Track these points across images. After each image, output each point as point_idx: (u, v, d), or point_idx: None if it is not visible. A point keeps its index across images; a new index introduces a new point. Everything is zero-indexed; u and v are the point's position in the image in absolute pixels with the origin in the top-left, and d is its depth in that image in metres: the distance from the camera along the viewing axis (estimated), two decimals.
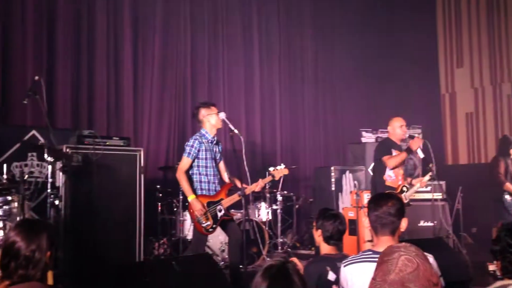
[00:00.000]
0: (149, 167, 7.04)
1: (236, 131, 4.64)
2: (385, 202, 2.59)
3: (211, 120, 4.78)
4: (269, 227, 7.02)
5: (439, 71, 10.61)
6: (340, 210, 7.47)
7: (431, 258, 2.48)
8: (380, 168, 5.58)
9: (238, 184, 4.77)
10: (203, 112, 4.81)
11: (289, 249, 7.24)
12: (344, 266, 2.60)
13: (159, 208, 6.61)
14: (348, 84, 10.16)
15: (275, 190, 7.24)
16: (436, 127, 10.24)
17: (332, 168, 7.99)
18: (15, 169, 5.40)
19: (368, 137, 8.61)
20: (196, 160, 4.71)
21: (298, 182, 8.98)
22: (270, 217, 7.09)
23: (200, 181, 4.73)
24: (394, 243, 2.56)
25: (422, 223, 6.96)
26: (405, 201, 5.25)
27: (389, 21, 10.55)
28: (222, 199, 4.71)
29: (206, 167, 4.73)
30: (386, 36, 10.43)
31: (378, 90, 10.31)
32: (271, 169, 4.92)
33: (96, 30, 7.07)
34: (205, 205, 4.61)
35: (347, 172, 7.92)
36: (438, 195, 6.89)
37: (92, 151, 5.02)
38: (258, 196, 7.17)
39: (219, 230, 4.91)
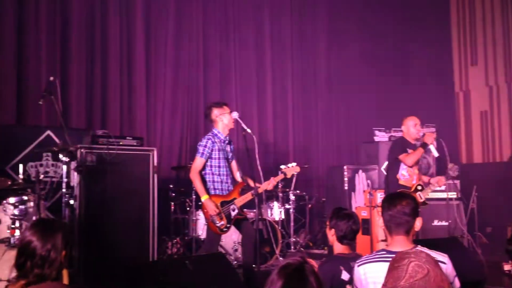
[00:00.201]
0: (162, 167, 7.07)
1: (249, 130, 4.64)
2: (400, 202, 2.58)
3: (224, 120, 4.79)
4: (281, 227, 7.01)
5: (453, 69, 10.52)
6: (353, 210, 7.45)
7: (446, 258, 2.47)
8: (393, 167, 5.54)
9: (251, 183, 4.77)
10: (215, 111, 4.82)
11: (302, 249, 7.22)
12: (358, 266, 2.59)
13: (172, 207, 6.64)
14: (361, 83, 10.09)
15: (287, 190, 7.24)
16: (450, 125, 10.16)
17: (345, 167, 7.96)
18: (31, 169, 5.47)
19: (381, 136, 8.55)
20: (209, 160, 4.72)
21: (310, 182, 8.95)
22: (283, 217, 7.09)
23: (213, 181, 4.74)
24: (408, 243, 2.56)
25: (436, 223, 6.91)
26: (421, 200, 5.21)
27: (402, 19, 10.47)
28: (235, 199, 4.71)
29: (219, 166, 4.74)
30: (400, 34, 10.36)
31: (391, 89, 10.23)
32: (282, 167, 4.91)
33: (109, 31, 7.13)
34: (219, 205, 4.62)
35: (360, 171, 7.88)
36: (452, 194, 6.83)
37: (106, 151, 5.05)
38: (270, 196, 7.17)
39: (232, 229, 4.92)
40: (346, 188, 7.84)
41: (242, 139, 4.81)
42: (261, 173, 4.70)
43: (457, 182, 7.08)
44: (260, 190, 4.74)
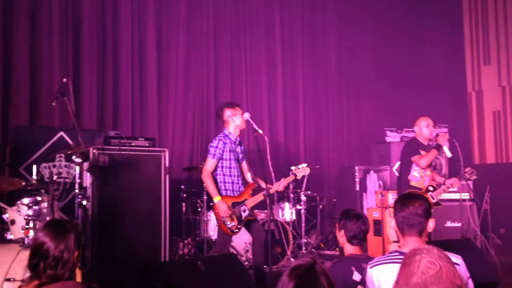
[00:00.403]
0: (173, 168, 7.09)
1: (260, 131, 4.63)
2: (412, 203, 2.56)
3: (236, 121, 4.79)
4: (293, 228, 7.00)
5: (465, 68, 10.44)
6: (365, 211, 7.42)
7: (459, 260, 2.45)
8: (405, 169, 5.51)
9: (262, 184, 4.77)
10: (228, 112, 4.82)
11: (313, 250, 7.21)
12: (371, 267, 2.57)
13: (184, 208, 6.66)
14: (372, 83, 10.07)
15: (299, 190, 7.22)
16: (462, 126, 10.08)
17: (356, 168, 7.95)
18: (44, 170, 5.52)
19: (392, 137, 8.52)
20: (220, 160, 4.72)
21: (322, 182, 8.93)
22: (294, 217, 7.07)
23: (224, 182, 4.74)
24: (421, 244, 2.54)
25: (449, 224, 6.86)
26: (433, 201, 5.18)
27: (414, 19, 10.42)
28: (246, 200, 4.72)
29: (230, 167, 4.75)
30: (411, 34, 10.31)
31: (403, 89, 10.19)
32: (292, 168, 4.90)
33: (120, 33, 7.18)
34: (230, 206, 4.63)
35: (372, 172, 7.86)
36: (465, 195, 6.78)
37: (118, 152, 5.08)
38: (282, 196, 7.16)
39: (243, 230, 4.92)
40: (357, 188, 7.82)
41: (253, 140, 4.81)
42: (272, 174, 4.71)
43: (470, 182, 7.02)
44: (271, 191, 4.74)
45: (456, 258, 2.45)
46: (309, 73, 9.35)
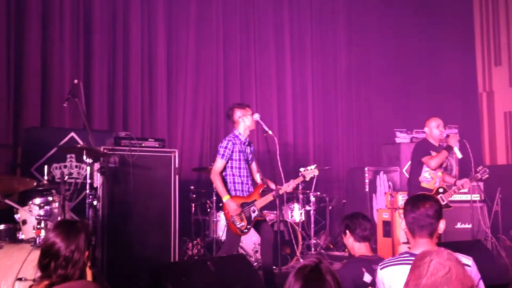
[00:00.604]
0: (183, 168, 7.11)
1: (270, 132, 4.64)
2: (423, 204, 2.55)
3: (246, 121, 4.80)
4: (302, 228, 7.00)
5: (476, 69, 10.37)
6: (374, 212, 7.41)
7: (470, 261, 2.43)
8: (416, 170, 5.48)
9: (271, 185, 4.78)
10: (238, 113, 4.83)
11: (322, 251, 7.20)
12: (381, 268, 2.56)
13: (193, 208, 6.68)
14: (382, 84, 10.03)
15: (308, 191, 7.22)
16: (473, 127, 10.02)
17: (366, 168, 7.92)
18: (55, 170, 5.56)
19: (402, 138, 8.48)
20: (229, 161, 4.73)
21: (331, 183, 8.92)
22: (303, 218, 7.07)
23: (234, 182, 4.76)
24: (432, 245, 2.53)
25: (459, 225, 6.82)
26: (443, 203, 5.15)
27: (424, 19, 10.37)
28: (255, 200, 4.72)
29: (239, 168, 4.76)
30: (421, 34, 10.26)
31: (413, 89, 10.15)
32: (301, 169, 4.90)
33: (131, 35, 7.22)
34: (239, 205, 4.64)
35: (381, 173, 7.83)
36: (476, 196, 6.73)
37: (129, 153, 5.11)
38: (291, 197, 7.16)
39: (252, 231, 4.93)
40: (367, 190, 7.80)
41: (263, 141, 4.83)
42: (282, 175, 4.72)
43: (481, 184, 6.97)
44: (280, 192, 4.74)
45: (467, 259, 2.44)
46: (319, 73, 9.34)
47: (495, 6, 10.07)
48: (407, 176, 6.20)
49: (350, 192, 8.36)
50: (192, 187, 6.72)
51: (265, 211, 4.99)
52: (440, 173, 5.42)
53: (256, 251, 6.09)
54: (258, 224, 4.78)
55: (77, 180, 5.47)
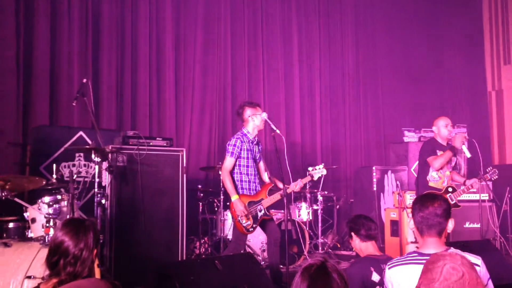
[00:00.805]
0: (191, 167, 7.14)
1: (277, 131, 4.64)
2: (432, 203, 2.54)
3: (255, 121, 4.81)
4: (309, 228, 6.99)
5: (485, 67, 10.31)
6: (382, 211, 7.38)
7: (479, 260, 2.42)
8: (423, 169, 5.46)
9: (278, 184, 4.78)
10: (248, 111, 4.83)
11: (329, 250, 7.19)
12: (389, 268, 2.56)
13: (200, 207, 6.69)
14: (390, 82, 9.99)
15: (315, 190, 7.21)
16: (482, 126, 9.96)
17: (373, 168, 7.90)
18: (64, 169, 5.59)
19: (410, 137, 8.46)
20: (237, 159, 4.74)
21: (338, 182, 8.90)
22: (311, 217, 7.06)
23: (241, 180, 4.76)
24: (441, 245, 2.52)
25: (468, 225, 6.78)
26: (452, 202, 5.12)
27: (433, 17, 10.32)
28: (262, 199, 4.73)
29: (247, 166, 4.77)
30: (430, 32, 10.21)
31: (421, 88, 10.10)
32: (310, 169, 4.90)
33: (139, 35, 7.24)
34: (246, 205, 4.64)
35: (389, 172, 7.81)
36: (485, 196, 6.69)
37: (137, 152, 5.13)
38: (298, 196, 7.16)
39: (259, 230, 4.93)
40: (374, 189, 7.77)
41: (271, 140, 4.83)
42: (290, 174, 4.72)
43: (490, 183, 6.93)
44: (287, 191, 4.74)
45: (476, 259, 2.42)
46: (326, 72, 9.32)
47: (504, 4, 10.00)
48: (415, 175, 6.17)
49: (358, 192, 8.34)
50: (199, 186, 6.73)
51: (273, 210, 4.99)
52: (448, 172, 5.39)
53: (264, 250, 6.10)
54: (264, 223, 4.79)
55: (86, 179, 5.50)
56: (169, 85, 7.49)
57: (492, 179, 5.46)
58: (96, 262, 2.51)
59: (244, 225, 4.62)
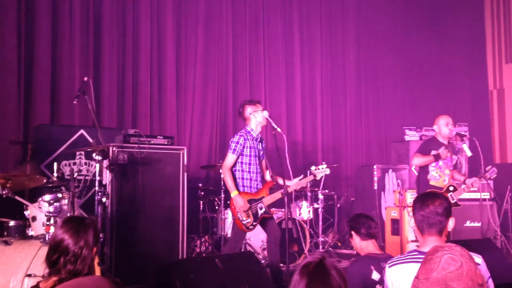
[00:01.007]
0: (191, 166, 7.14)
1: (279, 129, 4.65)
2: (432, 201, 2.53)
3: (257, 117, 4.82)
4: (310, 226, 6.99)
5: (486, 66, 10.29)
6: (383, 210, 7.38)
7: (480, 259, 2.42)
8: (424, 168, 5.46)
9: (281, 182, 4.78)
10: (249, 109, 4.85)
11: (330, 248, 7.19)
12: (389, 266, 2.56)
13: (201, 206, 6.70)
14: (391, 81, 9.99)
15: (316, 189, 7.21)
16: (483, 124, 9.95)
17: (374, 166, 7.90)
18: (64, 167, 5.59)
19: (411, 135, 8.45)
20: (240, 156, 4.75)
21: (339, 181, 8.90)
22: (311, 216, 7.06)
23: (242, 178, 4.77)
24: (441, 243, 2.51)
25: (468, 224, 6.78)
26: (453, 201, 5.12)
27: (434, 16, 10.31)
28: (263, 197, 4.73)
29: (249, 164, 4.77)
30: (431, 30, 10.20)
31: (423, 87, 10.10)
32: (312, 168, 4.90)
33: (140, 32, 7.24)
34: (247, 202, 4.64)
35: (390, 171, 7.80)
36: (486, 195, 6.68)
37: (137, 150, 5.13)
38: (299, 195, 7.16)
39: (260, 228, 4.93)
40: (375, 188, 7.77)
41: (272, 138, 4.83)
42: (290, 172, 4.72)
43: (491, 182, 6.92)
44: (288, 190, 4.74)
45: (477, 258, 2.42)
46: (328, 71, 9.32)
47: (506, 3, 9.98)
48: (416, 174, 6.17)
49: (359, 190, 8.34)
50: (200, 185, 6.74)
51: (273, 208, 4.98)
52: (447, 170, 5.39)
53: (264, 249, 6.10)
54: (264, 222, 4.79)
55: (86, 177, 5.50)
56: (170, 83, 7.48)
57: (491, 178, 5.46)
58: (97, 260, 2.52)
59: (244, 222, 4.62)
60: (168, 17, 7.52)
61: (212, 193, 6.82)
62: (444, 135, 5.47)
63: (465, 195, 6.33)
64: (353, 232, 3.35)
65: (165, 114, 7.42)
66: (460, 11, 10.38)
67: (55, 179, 4.56)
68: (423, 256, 2.23)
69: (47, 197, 4.23)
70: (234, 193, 4.63)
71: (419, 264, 1.83)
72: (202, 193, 6.70)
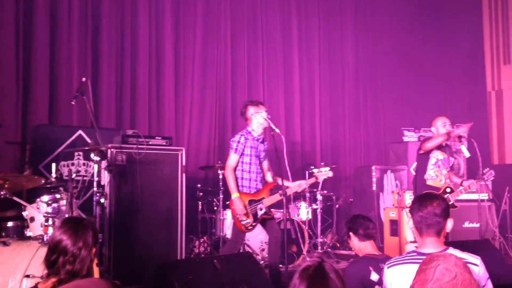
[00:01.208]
0: (190, 166, 7.13)
1: (277, 130, 4.66)
2: (430, 202, 2.54)
3: (259, 119, 4.82)
4: (308, 227, 6.99)
5: (485, 67, 10.30)
6: (381, 211, 7.39)
7: (479, 260, 2.42)
8: (421, 167, 5.47)
9: (285, 183, 4.79)
10: (251, 110, 4.87)
11: (329, 249, 7.19)
12: (388, 267, 2.56)
13: (200, 206, 6.69)
14: (389, 82, 9.99)
15: (315, 190, 7.21)
16: (481, 125, 9.95)
17: (373, 167, 7.91)
18: (63, 168, 5.59)
19: (410, 136, 8.46)
20: (240, 156, 4.75)
21: (338, 182, 8.90)
22: (310, 217, 7.07)
23: (242, 178, 4.77)
24: (439, 244, 2.52)
25: (467, 224, 6.79)
26: (449, 203, 5.12)
27: (433, 17, 10.32)
28: (263, 198, 4.73)
29: (249, 164, 4.77)
30: (430, 32, 10.21)
31: (421, 88, 10.11)
32: (315, 171, 4.93)
33: (138, 33, 7.23)
34: (247, 203, 4.65)
35: (389, 171, 7.81)
36: (484, 196, 6.69)
37: (136, 151, 5.13)
38: (298, 196, 7.15)
39: (259, 229, 4.93)
40: (374, 188, 7.78)
41: (270, 139, 4.84)
42: (289, 173, 4.73)
43: (489, 183, 6.93)
44: (289, 192, 4.76)
45: (475, 259, 2.42)
46: (326, 71, 9.32)
47: (504, 4, 9.99)
48: (414, 174, 6.17)
49: (357, 191, 8.34)
50: (199, 185, 6.73)
51: (272, 209, 4.99)
52: (445, 171, 5.40)
53: (263, 250, 6.10)
54: (265, 222, 4.79)
55: (85, 178, 5.48)
56: (168, 84, 7.48)
57: (488, 180, 5.47)
58: (95, 261, 2.51)
59: (244, 223, 4.62)
60: (167, 17, 7.52)
61: (210, 193, 6.81)
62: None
63: (464, 196, 6.33)
64: (351, 233, 3.36)
65: (163, 115, 7.42)
66: (458, 13, 10.39)
67: (53, 179, 4.55)
68: (421, 257, 2.24)
69: (45, 197, 4.23)
70: (234, 195, 4.63)
71: (417, 265, 1.84)
72: (201, 193, 6.70)
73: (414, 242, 5.92)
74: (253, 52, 8.47)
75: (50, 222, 4.07)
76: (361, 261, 3.13)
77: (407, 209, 6.12)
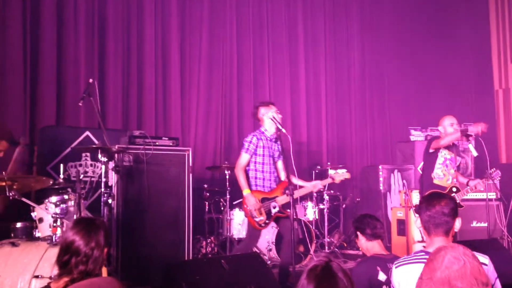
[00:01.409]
0: (196, 167, 7.14)
1: (283, 130, 4.68)
2: (438, 202, 2.53)
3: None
4: (315, 227, 6.98)
5: (492, 66, 10.24)
6: (389, 210, 7.36)
7: (487, 259, 2.41)
8: (428, 167, 5.44)
9: (298, 182, 4.84)
10: (262, 110, 4.90)
11: (336, 249, 7.17)
12: (396, 267, 2.55)
13: (207, 207, 6.70)
14: (396, 81, 9.95)
15: (322, 190, 7.19)
16: (489, 124, 9.88)
17: (380, 167, 7.88)
18: (70, 169, 5.62)
19: (417, 135, 8.43)
20: (253, 156, 4.77)
21: (345, 182, 8.84)
22: (317, 217, 7.06)
23: (256, 177, 4.79)
24: (448, 244, 2.51)
25: (475, 224, 6.75)
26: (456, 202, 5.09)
27: (439, 15, 10.27)
28: (277, 197, 4.74)
29: (262, 163, 4.78)
30: (436, 31, 10.16)
31: (428, 87, 10.06)
32: (331, 172, 4.95)
33: (145, 34, 7.26)
34: (259, 200, 4.66)
35: (396, 171, 7.78)
36: (492, 195, 6.65)
37: (143, 151, 5.14)
38: (304, 196, 7.13)
39: (266, 229, 4.94)
40: (381, 188, 7.75)
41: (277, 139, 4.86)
42: (296, 173, 4.74)
43: (497, 182, 6.89)
44: (304, 192, 4.86)
45: (483, 258, 2.41)
46: (332, 71, 9.30)
47: (511, 2, 9.93)
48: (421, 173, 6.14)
49: (364, 191, 8.32)
50: (205, 186, 6.74)
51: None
52: (452, 170, 5.37)
53: (270, 250, 6.10)
54: (279, 221, 4.83)
55: (92, 179, 5.52)
56: (175, 84, 7.50)
57: (495, 180, 5.44)
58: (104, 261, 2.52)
59: (257, 220, 4.63)
60: (173, 18, 7.54)
61: (217, 194, 6.82)
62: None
63: (471, 195, 6.32)
64: (358, 233, 3.36)
65: (170, 115, 7.44)
66: (465, 11, 10.34)
67: (61, 180, 4.58)
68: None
69: (54, 198, 4.25)
70: (246, 191, 4.65)
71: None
72: (208, 194, 6.71)
73: (422, 241, 5.90)
74: (259, 52, 8.47)
75: (59, 223, 4.09)
76: (369, 261, 3.13)
77: (413, 209, 6.10)
